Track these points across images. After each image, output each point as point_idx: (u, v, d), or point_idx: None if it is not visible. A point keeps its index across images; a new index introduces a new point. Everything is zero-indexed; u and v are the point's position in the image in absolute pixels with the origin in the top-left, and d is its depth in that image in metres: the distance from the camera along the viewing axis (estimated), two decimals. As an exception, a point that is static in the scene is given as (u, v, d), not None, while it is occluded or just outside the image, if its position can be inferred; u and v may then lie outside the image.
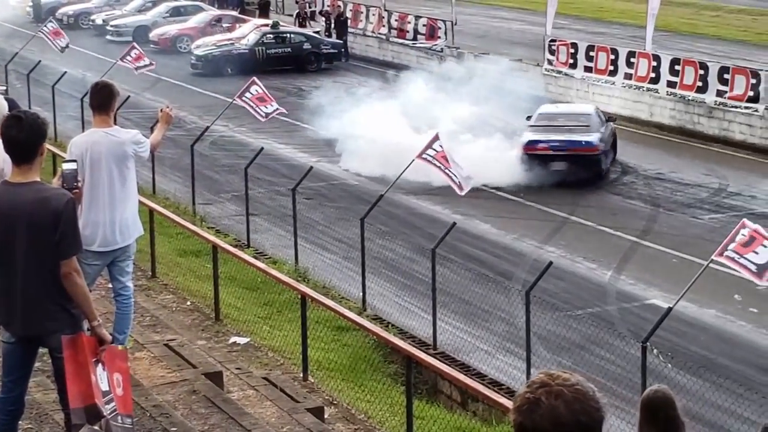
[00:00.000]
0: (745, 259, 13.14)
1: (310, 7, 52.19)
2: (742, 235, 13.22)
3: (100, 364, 7.27)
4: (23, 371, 7.42)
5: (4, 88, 15.21)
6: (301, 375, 13.55)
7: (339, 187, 26.89)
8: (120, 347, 7.90)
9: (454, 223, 18.57)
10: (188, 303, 15.80)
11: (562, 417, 3.67)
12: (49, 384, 8.32)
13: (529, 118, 28.97)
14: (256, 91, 24.72)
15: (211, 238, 16.62)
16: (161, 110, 11.34)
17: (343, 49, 45.82)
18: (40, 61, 33.39)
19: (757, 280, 13.55)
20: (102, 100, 10.22)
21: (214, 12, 50.83)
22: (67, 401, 7.27)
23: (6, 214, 7.18)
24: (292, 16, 52.75)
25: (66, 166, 7.79)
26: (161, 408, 9.02)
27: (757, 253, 13.07)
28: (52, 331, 7.24)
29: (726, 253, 13.35)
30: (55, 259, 7.15)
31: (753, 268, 13.17)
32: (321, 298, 14.12)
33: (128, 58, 28.71)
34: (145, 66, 27.95)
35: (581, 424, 3.68)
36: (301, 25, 47.52)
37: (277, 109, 24.12)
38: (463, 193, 19.61)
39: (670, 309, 14.22)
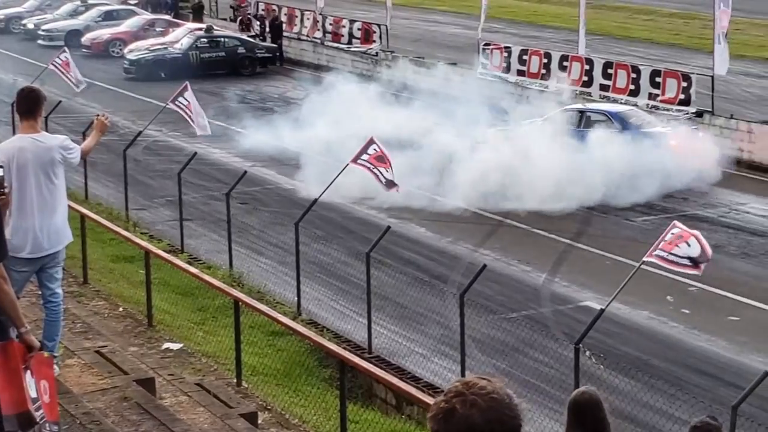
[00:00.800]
0: (674, 255, 13.28)
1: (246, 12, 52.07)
2: (671, 234, 13.35)
3: (28, 371, 7.19)
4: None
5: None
6: (235, 380, 13.48)
7: (273, 191, 26.82)
8: (46, 354, 7.82)
9: (389, 227, 18.58)
10: (120, 309, 15.67)
11: (477, 426, 3.68)
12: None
13: None
14: (190, 98, 24.57)
15: (144, 243, 16.51)
16: (97, 117, 11.28)
17: (277, 53, 45.73)
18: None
19: (694, 272, 13.71)
20: (29, 105, 10.13)
21: (147, 16, 50.53)
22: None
23: None
24: (226, 20, 52.61)
25: None
26: (91, 415, 8.93)
27: (689, 245, 13.22)
28: (-21, 339, 7.16)
29: (656, 253, 13.47)
30: None
31: (686, 261, 13.33)
32: (254, 303, 14.06)
33: (57, 61, 28.50)
34: (76, 83, 27.52)
35: None
36: (245, 30, 47.19)
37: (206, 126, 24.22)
38: (390, 190, 19.62)
39: (602, 311, 14.32)
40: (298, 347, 17.24)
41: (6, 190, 7.65)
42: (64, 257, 10.72)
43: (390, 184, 19.28)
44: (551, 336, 17.77)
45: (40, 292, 10.61)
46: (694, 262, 13.38)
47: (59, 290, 10.35)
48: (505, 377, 14.04)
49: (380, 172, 19.25)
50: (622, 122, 28.34)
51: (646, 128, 28.20)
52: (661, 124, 29.02)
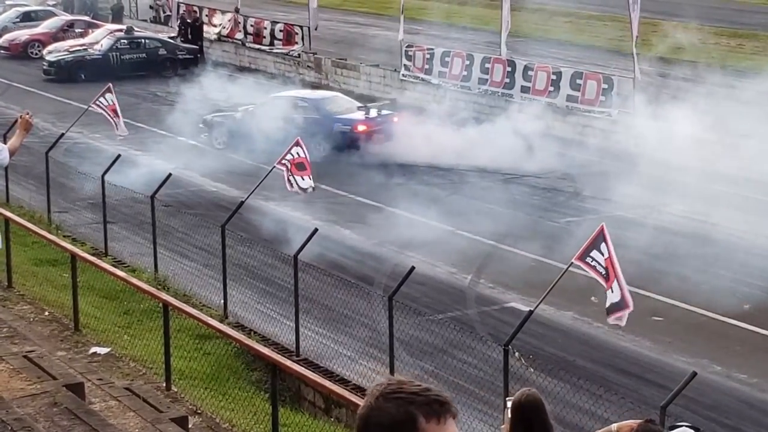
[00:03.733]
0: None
1: (164, 12, 51.75)
2: (600, 252, 13.43)
3: None
4: None
5: None
6: (164, 384, 13.39)
7: (197, 194, 26.68)
8: None
9: (316, 229, 18.55)
10: (46, 313, 15.52)
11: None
12: None
13: None
14: (111, 101, 24.63)
15: (70, 247, 16.35)
16: (21, 117, 11.17)
17: (198, 55, 45.47)
18: None
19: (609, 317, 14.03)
20: None
21: (66, 17, 50.00)
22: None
23: None
24: (146, 20, 52.22)
25: None
26: (23, 421, 8.84)
27: (612, 291, 13.51)
28: None
29: (587, 260, 13.56)
30: None
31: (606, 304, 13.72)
32: (183, 306, 13.99)
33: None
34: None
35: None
36: (185, 35, 46.64)
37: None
38: (298, 194, 19.82)
39: (531, 312, 14.40)
40: (225, 350, 17.16)
41: None
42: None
43: (300, 190, 19.44)
44: (477, 337, 17.85)
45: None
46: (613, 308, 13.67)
47: None
48: (432, 379, 14.09)
49: (295, 180, 19.31)
50: (317, 108, 31.35)
51: (341, 114, 31.23)
52: (362, 113, 31.37)
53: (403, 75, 39.04)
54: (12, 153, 10.68)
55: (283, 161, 18.98)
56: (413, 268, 16.38)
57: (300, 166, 18.81)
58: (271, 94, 33.31)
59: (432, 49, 39.02)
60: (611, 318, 13.74)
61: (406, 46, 39.43)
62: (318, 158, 26.76)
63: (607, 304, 13.59)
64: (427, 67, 38.31)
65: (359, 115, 31.34)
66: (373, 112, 31.48)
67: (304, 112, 31.35)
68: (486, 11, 50.32)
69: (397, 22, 42.00)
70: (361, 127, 30.72)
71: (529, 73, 34.93)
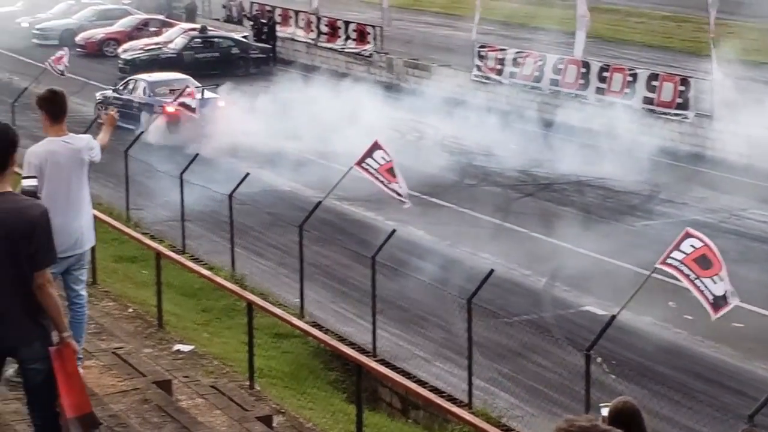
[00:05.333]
0: (702, 282, 13.24)
1: (236, 11, 52.05)
2: (692, 246, 13.34)
3: None
4: (-8, 382, 7.38)
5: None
6: (248, 383, 13.51)
7: (272, 193, 26.81)
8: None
9: (394, 230, 18.58)
10: (130, 310, 15.69)
11: None
12: (8, 395, 8.23)
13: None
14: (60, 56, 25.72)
15: (154, 245, 16.52)
16: (105, 113, 11.30)
17: (271, 54, 45.69)
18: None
19: (712, 313, 13.55)
20: (59, 108, 10.13)
21: (140, 16, 50.46)
22: (39, 412, 7.23)
23: None
24: (219, 20, 52.55)
25: (26, 182, 7.78)
26: (117, 418, 8.97)
27: (714, 282, 13.18)
28: (23, 343, 7.18)
29: (669, 261, 13.48)
30: (28, 270, 7.09)
31: (710, 297, 13.26)
32: (267, 305, 14.09)
33: (51, 58, 28.94)
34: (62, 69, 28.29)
35: None
36: (259, 35, 46.93)
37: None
38: (407, 206, 19.52)
39: (613, 317, 14.34)
40: (303, 349, 17.29)
41: (40, 198, 7.69)
42: (89, 259, 10.74)
43: (405, 198, 19.07)
44: (554, 341, 17.81)
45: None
46: (716, 303, 13.28)
47: (84, 292, 10.39)
48: (508, 382, 14.06)
49: (393, 189, 18.91)
50: (150, 90, 33.78)
51: (164, 98, 32.91)
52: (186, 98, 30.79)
53: (474, 75, 39.01)
54: (101, 150, 10.82)
55: (365, 166, 18.85)
56: (492, 271, 16.37)
57: (391, 172, 18.70)
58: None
59: (504, 49, 38.96)
60: (717, 314, 13.41)
61: (479, 47, 39.41)
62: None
63: (711, 299, 13.22)
64: (498, 67, 38.26)
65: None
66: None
67: (142, 92, 33.72)
68: (557, 11, 50.08)
69: (468, 22, 42.00)
70: (169, 109, 31.35)
71: (605, 74, 34.78)
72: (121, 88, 34.42)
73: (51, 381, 7.16)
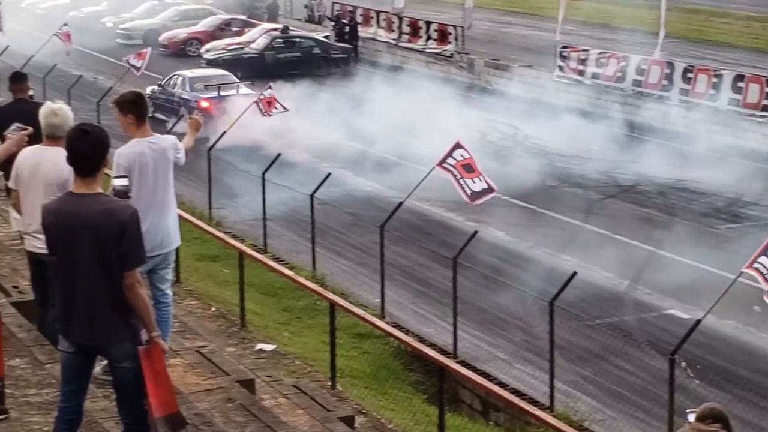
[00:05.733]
0: None
1: (318, 11, 52.28)
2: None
3: None
4: (82, 381, 7.46)
5: (32, 92, 15.16)
6: (329, 383, 13.56)
7: (353, 194, 26.85)
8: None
9: (476, 232, 18.53)
10: (213, 309, 15.82)
11: None
12: (96, 392, 8.34)
13: None
14: (270, 93, 25.60)
15: (237, 244, 16.65)
16: (190, 117, 11.36)
17: (352, 54, 45.80)
18: (55, 65, 33.44)
19: None
20: (144, 109, 10.22)
21: (223, 16, 50.82)
22: (127, 411, 7.32)
23: (71, 225, 7.23)
24: (301, 20, 52.79)
25: (118, 182, 7.85)
26: (203, 416, 9.03)
27: None
28: (112, 342, 7.27)
29: (756, 266, 13.32)
30: (118, 271, 7.18)
31: None
32: (350, 306, 14.12)
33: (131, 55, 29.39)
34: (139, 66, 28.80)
35: None
36: (340, 34, 47.11)
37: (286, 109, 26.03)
38: (474, 203, 19.45)
39: (698, 321, 14.17)
40: (383, 350, 17.30)
41: (131, 201, 7.78)
42: (174, 259, 10.83)
43: (475, 196, 18.95)
44: (636, 344, 17.66)
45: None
46: None
47: (169, 291, 10.48)
48: (590, 385, 13.96)
49: (466, 184, 18.93)
50: (189, 86, 34.29)
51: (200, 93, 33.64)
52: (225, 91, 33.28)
53: (556, 76, 38.82)
54: (186, 153, 10.90)
55: (446, 165, 18.84)
56: (575, 273, 16.26)
57: (467, 168, 18.65)
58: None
59: (587, 49, 38.73)
60: None
61: (561, 47, 39.22)
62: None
63: None
64: (581, 68, 38.05)
65: (209, 93, 33.33)
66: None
67: (182, 88, 34.34)
68: (640, 12, 49.69)
69: (550, 22, 41.83)
70: (204, 104, 32.36)
71: (689, 75, 34.44)
72: (166, 83, 35.10)
73: (140, 380, 7.24)
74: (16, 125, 8.33)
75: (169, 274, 10.57)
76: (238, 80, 35.02)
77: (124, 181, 7.84)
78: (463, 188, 18.72)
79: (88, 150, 7.23)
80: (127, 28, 50.67)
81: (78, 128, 7.32)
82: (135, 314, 7.30)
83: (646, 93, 35.57)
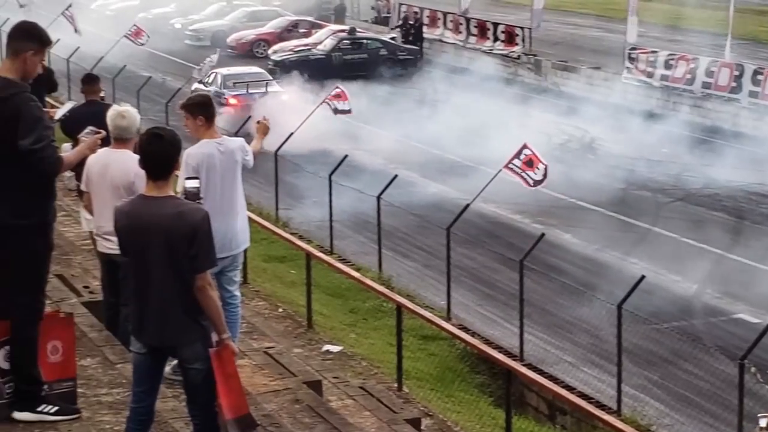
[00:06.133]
0: None
1: (388, 13, 52.32)
2: None
3: None
4: (153, 381, 7.53)
5: (103, 94, 15.34)
6: (396, 385, 13.58)
7: (419, 195, 26.84)
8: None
9: (543, 234, 18.49)
10: (280, 310, 15.90)
11: None
12: (166, 392, 8.42)
13: None
14: (338, 93, 25.75)
15: (305, 246, 16.73)
16: (258, 121, 11.39)
17: (418, 55, 45.77)
18: (125, 66, 33.74)
19: None
20: (213, 111, 10.29)
21: (291, 17, 51.01)
22: (198, 412, 7.38)
23: (143, 228, 7.30)
24: (368, 21, 52.87)
25: (189, 183, 7.90)
26: (271, 417, 9.08)
27: None
28: (184, 343, 7.34)
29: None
30: (189, 273, 7.24)
31: None
32: (417, 308, 14.13)
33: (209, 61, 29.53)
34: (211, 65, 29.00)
35: None
36: (407, 36, 47.12)
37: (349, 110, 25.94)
38: (528, 187, 19.62)
39: (768, 326, 14.03)
40: (449, 352, 17.30)
41: (202, 202, 7.83)
42: (242, 260, 10.88)
43: (536, 183, 19.31)
44: (705, 348, 17.52)
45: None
46: None
47: (237, 293, 10.53)
48: (657, 389, 13.84)
49: (528, 176, 19.25)
50: (222, 83, 34.66)
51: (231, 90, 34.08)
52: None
53: (625, 78, 38.58)
54: (254, 156, 10.96)
55: (512, 166, 18.95)
56: (643, 277, 16.18)
57: (529, 163, 18.84)
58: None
59: (656, 51, 38.46)
60: None
61: (629, 49, 38.98)
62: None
63: None
64: (650, 69, 37.79)
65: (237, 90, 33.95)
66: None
67: (217, 85, 34.64)
68: (709, 13, 49.28)
69: (618, 24, 41.57)
70: (231, 101, 33.12)
71: (758, 77, 34.09)
72: (206, 81, 35.52)
73: (210, 381, 7.29)
74: (89, 129, 8.43)
75: (237, 276, 10.63)
76: (270, 78, 35.47)
77: (195, 183, 7.89)
78: (525, 180, 19.02)
79: (160, 154, 7.30)
80: (195, 30, 51.00)
81: (151, 132, 7.38)
82: (206, 316, 7.35)
83: (715, 95, 35.27)
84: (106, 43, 37.64)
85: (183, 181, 8.52)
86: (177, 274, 7.24)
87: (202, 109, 10.23)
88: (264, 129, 11.24)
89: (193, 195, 7.74)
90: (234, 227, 10.31)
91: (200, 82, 35.38)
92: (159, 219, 7.24)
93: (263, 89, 33.57)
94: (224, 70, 35.91)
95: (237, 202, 10.44)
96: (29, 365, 7.97)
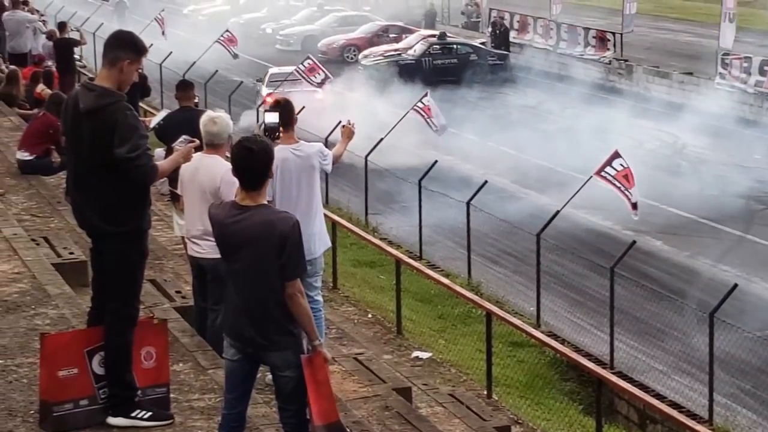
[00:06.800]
0: None
1: (478, 17, 52.26)
2: None
3: None
4: (245, 388, 7.59)
5: (197, 100, 15.50)
6: (485, 392, 13.56)
7: (508, 200, 26.77)
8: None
9: (634, 242, 18.35)
10: (369, 315, 15.94)
11: None
12: (257, 398, 8.48)
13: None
14: (428, 102, 25.69)
15: (394, 252, 16.77)
16: (343, 125, 11.37)
17: (508, 60, 45.61)
18: (216, 71, 34.04)
19: None
20: (286, 117, 10.23)
21: (381, 22, 51.12)
22: (289, 419, 7.43)
23: (234, 236, 7.37)
24: (458, 26, 52.83)
25: (269, 119, 7.92)
26: (361, 424, 9.12)
27: None
28: (275, 351, 7.39)
29: None
30: (279, 281, 7.30)
31: None
32: (507, 316, 14.10)
33: (301, 67, 29.38)
34: (323, 80, 28.67)
35: None
36: (498, 40, 47.05)
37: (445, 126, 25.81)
38: (636, 217, 19.42)
39: None
40: (538, 359, 17.23)
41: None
42: (323, 266, 10.84)
43: (635, 206, 19.12)
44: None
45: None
46: None
47: (318, 297, 10.47)
48: (749, 399, 13.70)
49: (631, 193, 19.06)
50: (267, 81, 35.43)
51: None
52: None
53: (717, 83, 38.14)
54: (335, 160, 10.96)
55: (604, 174, 18.79)
56: (736, 285, 15.98)
57: (628, 178, 18.64)
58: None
59: (750, 57, 37.97)
60: None
61: (722, 54, 38.52)
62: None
63: None
64: (743, 75, 37.31)
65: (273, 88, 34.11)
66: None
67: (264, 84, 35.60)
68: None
69: (710, 29, 41.12)
70: (268, 99, 32.70)
71: None
72: (261, 79, 36.55)
73: (301, 388, 7.33)
74: (183, 137, 8.52)
75: (318, 281, 10.54)
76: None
77: (274, 118, 7.90)
78: (628, 198, 18.83)
79: (251, 167, 7.37)
80: (286, 35, 51.34)
81: (242, 146, 7.41)
82: (297, 323, 7.40)
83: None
84: (198, 47, 38.03)
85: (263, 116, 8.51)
86: (267, 281, 7.30)
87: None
88: (349, 133, 11.18)
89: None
90: (311, 233, 10.21)
91: (256, 80, 36.52)
92: (250, 228, 7.30)
93: (298, 87, 33.50)
94: (273, 69, 36.72)
95: (313, 207, 10.39)
96: (123, 371, 8.07)
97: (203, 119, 10.33)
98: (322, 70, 30.58)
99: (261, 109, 31.06)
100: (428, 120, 25.82)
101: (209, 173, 9.94)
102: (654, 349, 18.58)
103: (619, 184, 18.67)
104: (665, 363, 18.07)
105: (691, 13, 59.70)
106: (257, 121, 28.42)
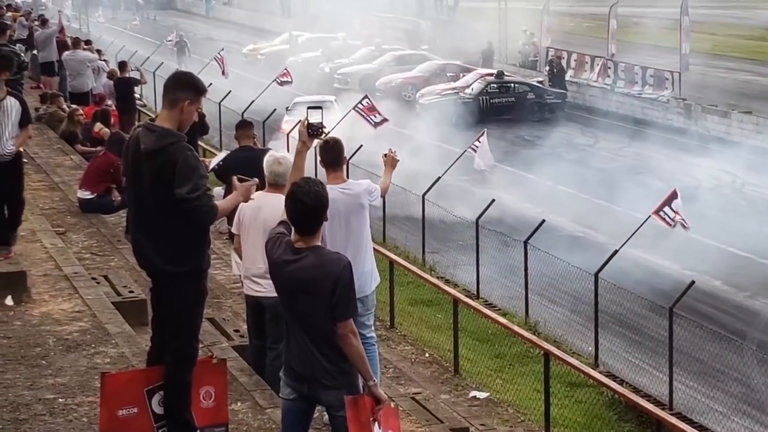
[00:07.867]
0: None
1: (535, 56, 52.25)
2: None
3: (376, 423, 7.42)
4: (302, 427, 7.63)
5: (255, 139, 15.62)
6: (542, 433, 13.51)
7: (565, 239, 26.67)
8: (392, 405, 8.03)
9: (693, 282, 18.21)
10: (426, 354, 15.92)
11: None
12: (315, 438, 8.51)
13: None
14: (482, 140, 25.79)
15: (451, 290, 16.75)
16: (385, 154, 11.30)
17: (565, 99, 45.53)
18: (275, 109, 34.25)
19: None
20: (334, 156, 10.25)
21: (439, 61, 51.23)
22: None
23: (288, 277, 7.44)
24: (515, 65, 52.83)
25: (312, 117, 8.00)
26: (418, 466, 9.11)
27: None
28: (330, 390, 7.42)
29: None
30: (332, 321, 7.35)
31: None
32: (565, 356, 14.04)
33: (359, 107, 29.42)
34: (380, 122, 28.75)
35: None
36: (555, 79, 47.00)
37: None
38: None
39: None
40: (597, 399, 17.11)
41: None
42: (375, 303, 10.82)
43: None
44: None
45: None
46: None
47: (371, 335, 10.43)
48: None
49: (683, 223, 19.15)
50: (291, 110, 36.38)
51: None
52: None
53: (773, 122, 37.92)
54: (383, 193, 10.94)
55: (662, 214, 18.78)
56: (796, 326, 15.82)
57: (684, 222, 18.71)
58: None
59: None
60: None
61: (782, 92, 38.34)
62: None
63: None
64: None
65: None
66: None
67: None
68: None
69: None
70: (284, 126, 33.85)
71: None
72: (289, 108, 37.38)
73: (361, 429, 7.37)
74: (234, 178, 8.52)
75: (369, 320, 10.50)
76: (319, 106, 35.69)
77: (318, 115, 7.97)
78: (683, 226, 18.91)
79: (305, 216, 7.46)
80: (343, 74, 51.54)
81: (297, 199, 7.47)
82: (351, 363, 7.43)
83: None
84: (256, 86, 38.30)
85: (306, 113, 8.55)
86: (320, 322, 7.36)
87: (322, 152, 10.29)
88: (392, 162, 11.09)
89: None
90: (363, 271, 10.22)
91: (287, 109, 37.42)
92: (304, 270, 7.38)
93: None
94: (298, 98, 37.82)
95: (363, 245, 10.38)
96: (183, 410, 8.11)
97: (268, 160, 10.37)
98: (379, 113, 30.61)
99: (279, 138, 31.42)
100: (477, 158, 26.03)
101: (273, 212, 9.96)
102: (713, 390, 18.42)
103: (674, 223, 18.70)
104: (725, 404, 17.91)
105: (750, 51, 59.36)
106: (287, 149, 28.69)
